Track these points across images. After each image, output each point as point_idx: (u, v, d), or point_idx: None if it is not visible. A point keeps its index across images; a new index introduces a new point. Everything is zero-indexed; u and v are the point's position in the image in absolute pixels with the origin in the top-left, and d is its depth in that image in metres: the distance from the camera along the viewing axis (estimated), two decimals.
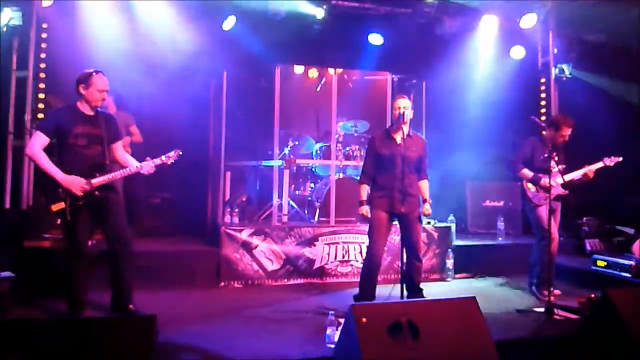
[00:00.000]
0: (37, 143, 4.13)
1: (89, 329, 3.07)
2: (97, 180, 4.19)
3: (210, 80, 7.13)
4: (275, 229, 6.09)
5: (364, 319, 3.21)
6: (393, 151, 4.68)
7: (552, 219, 5.20)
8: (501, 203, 7.98)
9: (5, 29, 5.84)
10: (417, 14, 7.24)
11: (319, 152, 7.23)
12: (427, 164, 4.95)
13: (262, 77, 7.58)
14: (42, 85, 6.23)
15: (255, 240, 5.92)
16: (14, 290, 4.66)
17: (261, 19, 6.85)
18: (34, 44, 6.16)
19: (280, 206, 6.60)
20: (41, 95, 6.22)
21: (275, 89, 6.56)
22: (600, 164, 5.39)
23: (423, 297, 4.69)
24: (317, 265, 6.10)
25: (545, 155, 5.04)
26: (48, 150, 4.20)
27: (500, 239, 7.28)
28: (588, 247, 6.85)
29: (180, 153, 4.42)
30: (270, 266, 5.94)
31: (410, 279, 4.70)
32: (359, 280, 4.94)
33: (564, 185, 5.36)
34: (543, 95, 7.96)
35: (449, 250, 6.44)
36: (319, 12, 7.08)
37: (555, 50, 7.76)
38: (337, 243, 6.20)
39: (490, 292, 5.72)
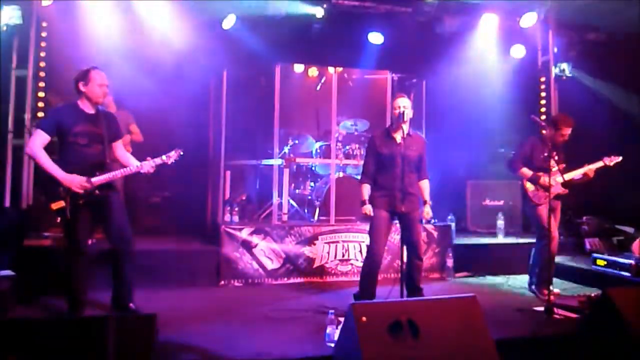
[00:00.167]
0: (37, 142, 4.13)
1: (89, 328, 3.07)
2: (97, 179, 4.19)
3: (210, 79, 7.13)
4: (275, 227, 6.09)
5: (364, 318, 3.21)
6: (393, 150, 4.68)
7: (552, 218, 5.21)
8: (501, 202, 7.99)
9: (5, 27, 5.83)
10: (417, 13, 7.23)
11: (319, 151, 7.23)
12: (427, 163, 4.95)
13: (262, 76, 7.59)
14: (41, 84, 6.23)
15: (255, 239, 5.92)
16: (15, 289, 4.67)
17: (261, 17, 6.84)
18: (34, 43, 6.15)
19: (280, 205, 6.60)
20: (41, 94, 6.22)
21: (275, 87, 6.56)
22: (600, 164, 5.39)
23: (423, 296, 4.69)
24: (317, 264, 6.10)
25: (545, 154, 5.04)
26: (49, 148, 4.20)
27: (500, 237, 7.28)
28: (588, 246, 6.86)
29: (181, 153, 4.42)
30: (270, 265, 5.95)
31: (411, 278, 4.70)
32: (359, 279, 4.94)
33: (564, 184, 5.36)
34: (543, 94, 7.96)
35: (449, 249, 6.44)
36: (319, 11, 7.08)
37: (556, 49, 7.76)
38: (337, 242, 6.20)
39: (490, 291, 5.72)
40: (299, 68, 8.24)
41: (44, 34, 6.28)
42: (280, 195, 6.63)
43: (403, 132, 4.63)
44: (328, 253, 6.15)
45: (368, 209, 4.73)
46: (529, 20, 7.49)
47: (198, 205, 7.27)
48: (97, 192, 4.19)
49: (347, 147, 7.11)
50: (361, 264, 5.15)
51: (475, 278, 6.41)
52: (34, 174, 5.97)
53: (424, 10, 7.19)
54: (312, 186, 7.21)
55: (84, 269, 4.35)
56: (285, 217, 6.57)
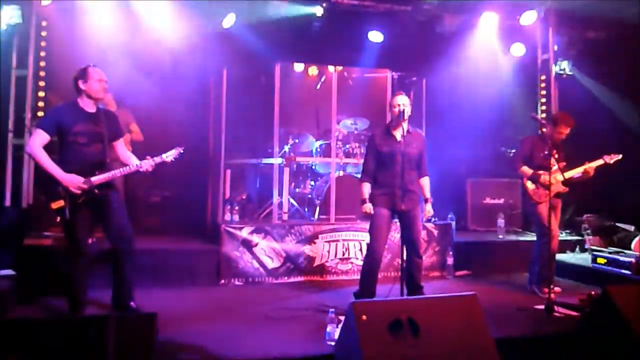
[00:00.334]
0: (37, 141, 4.13)
1: (89, 327, 3.07)
2: (97, 178, 4.19)
3: (210, 78, 7.12)
4: (276, 226, 6.09)
5: (364, 317, 3.21)
6: (393, 148, 4.67)
7: (553, 216, 5.21)
8: (501, 200, 7.99)
9: (4, 27, 5.83)
10: (417, 11, 7.23)
11: (319, 149, 7.23)
12: (428, 161, 4.95)
13: (262, 75, 7.58)
14: (41, 84, 6.22)
15: (255, 238, 5.92)
16: (15, 289, 4.67)
17: (261, 16, 6.84)
18: (34, 43, 6.15)
19: (280, 204, 6.60)
20: (41, 94, 6.21)
21: (275, 86, 6.56)
22: (600, 162, 5.39)
23: (423, 294, 4.69)
24: (317, 262, 6.10)
25: (545, 152, 5.04)
26: (49, 148, 4.20)
27: (500, 236, 7.27)
28: (588, 244, 6.85)
29: (182, 151, 4.42)
30: (271, 264, 5.95)
31: (411, 276, 4.70)
32: (359, 277, 4.94)
33: (564, 182, 5.37)
34: (543, 92, 7.95)
35: (449, 247, 6.44)
36: (319, 10, 7.07)
37: (556, 48, 7.75)
38: (337, 241, 6.20)
39: (490, 290, 5.72)
40: (299, 67, 8.24)
41: (43, 34, 6.27)
42: (280, 194, 6.63)
43: (403, 129, 4.63)
44: (328, 252, 6.15)
45: (368, 207, 4.72)
46: (528, 18, 7.49)
47: (198, 205, 7.27)
48: (96, 191, 4.19)
49: (347, 146, 7.11)
50: (361, 263, 5.15)
51: (476, 276, 6.40)
52: (34, 174, 5.97)
53: (424, 8, 7.19)
54: (312, 185, 7.21)
55: (84, 269, 4.35)
56: (285, 216, 6.57)
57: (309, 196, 7.04)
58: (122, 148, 4.52)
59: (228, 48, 6.83)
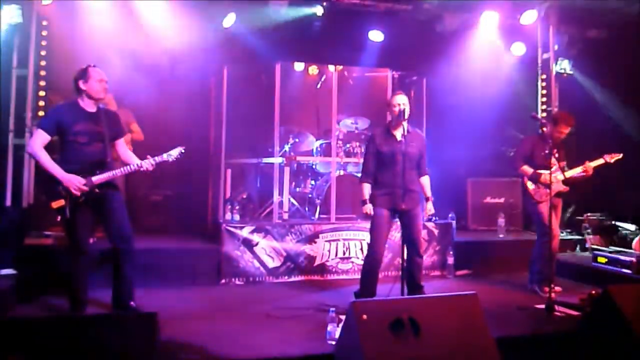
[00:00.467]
0: (38, 141, 4.14)
1: (90, 327, 3.07)
2: (98, 178, 4.19)
3: (211, 78, 7.13)
4: (276, 226, 6.10)
5: (364, 316, 3.21)
6: (394, 148, 4.67)
7: (553, 215, 5.21)
8: (502, 200, 7.98)
9: (5, 27, 5.83)
10: (418, 11, 7.22)
11: (319, 149, 7.23)
12: (428, 161, 4.95)
13: (262, 74, 7.58)
14: (42, 83, 6.22)
15: (256, 238, 5.92)
16: (15, 288, 4.68)
17: (261, 16, 6.84)
18: (34, 42, 6.15)
19: (280, 203, 6.60)
20: (41, 93, 6.21)
21: (276, 86, 6.56)
22: (600, 161, 5.39)
23: (424, 293, 4.69)
24: (317, 262, 6.10)
25: (546, 151, 5.04)
26: (50, 147, 4.21)
27: (501, 235, 7.27)
28: (589, 244, 6.85)
29: (183, 151, 4.42)
30: (271, 263, 5.95)
31: (411, 275, 4.70)
32: (359, 277, 4.94)
33: (565, 181, 5.37)
34: (544, 91, 7.95)
35: (450, 247, 6.44)
36: (319, 9, 7.07)
37: (556, 47, 7.74)
38: (338, 240, 6.20)
39: (491, 289, 5.72)
40: (299, 66, 8.24)
41: (44, 33, 6.27)
42: (281, 193, 6.63)
43: (404, 129, 4.62)
44: (329, 251, 6.15)
45: (369, 208, 4.71)
46: (529, 17, 7.48)
47: (199, 204, 7.28)
48: (96, 190, 4.19)
49: (348, 145, 7.10)
50: (362, 262, 5.15)
51: (476, 276, 6.40)
52: (35, 173, 5.97)
53: (424, 8, 7.18)
54: (312, 184, 7.21)
55: (84, 268, 4.36)
56: (285, 216, 6.57)
57: (310, 195, 7.04)
58: (123, 147, 4.52)
59: (228, 48, 6.84)
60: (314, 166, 7.28)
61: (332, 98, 6.73)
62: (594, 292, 4.67)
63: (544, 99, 7.95)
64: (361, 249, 6.18)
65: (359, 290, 4.84)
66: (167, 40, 6.55)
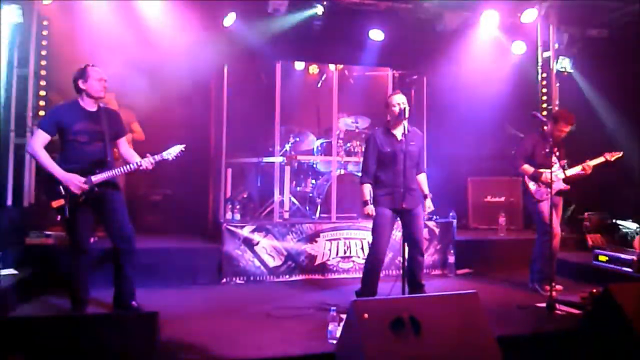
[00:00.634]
0: (38, 141, 4.15)
1: (90, 326, 3.07)
2: (98, 177, 4.19)
3: (211, 77, 7.12)
4: (277, 225, 6.10)
5: (365, 315, 3.21)
6: (395, 148, 4.66)
7: (554, 214, 5.20)
8: (502, 198, 7.98)
9: (5, 26, 5.82)
10: (418, 10, 7.22)
11: (320, 148, 7.23)
12: (429, 160, 4.95)
13: (262, 74, 7.57)
14: (43, 83, 6.23)
15: (256, 237, 5.93)
16: (16, 288, 4.68)
17: (261, 15, 6.83)
18: (35, 42, 6.15)
19: (281, 202, 6.60)
20: (42, 93, 6.21)
21: (276, 85, 6.56)
22: (601, 159, 5.40)
23: (425, 292, 4.69)
24: (318, 261, 6.11)
25: (547, 150, 5.03)
26: (51, 147, 4.21)
27: (501, 234, 7.28)
28: (590, 242, 6.85)
29: (183, 149, 4.42)
30: (272, 262, 5.95)
31: (412, 274, 4.70)
32: (360, 276, 4.94)
33: (565, 180, 5.37)
34: (544, 90, 7.94)
35: (451, 245, 6.45)
36: (320, 8, 7.07)
37: (557, 45, 7.74)
38: (339, 239, 6.21)
39: (491, 288, 5.72)
40: (299, 65, 8.23)
41: (45, 33, 6.27)
42: (281, 192, 6.64)
43: (404, 128, 4.61)
44: (330, 250, 6.16)
45: (370, 209, 4.69)
46: (529, 16, 7.47)
47: (199, 203, 7.27)
48: (96, 189, 4.19)
49: (348, 145, 7.11)
50: (363, 261, 5.15)
51: (477, 274, 6.40)
52: (36, 173, 5.97)
53: (424, 6, 7.17)
54: (313, 183, 7.21)
55: (85, 268, 4.37)
56: (286, 215, 6.57)
57: (310, 195, 7.04)
58: (124, 146, 4.52)
59: (229, 47, 6.83)
60: (314, 165, 7.28)
61: (333, 97, 6.73)
62: (594, 290, 4.67)
63: (545, 98, 7.94)
64: (362, 248, 6.18)
65: (360, 289, 4.84)
66: (167, 39, 6.55)
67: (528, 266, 5.66)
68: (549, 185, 5.04)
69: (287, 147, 7.11)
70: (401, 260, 4.63)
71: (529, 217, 7.22)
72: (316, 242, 6.11)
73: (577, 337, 3.97)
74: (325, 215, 6.60)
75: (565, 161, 5.42)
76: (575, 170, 5.39)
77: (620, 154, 5.42)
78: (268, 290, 5.61)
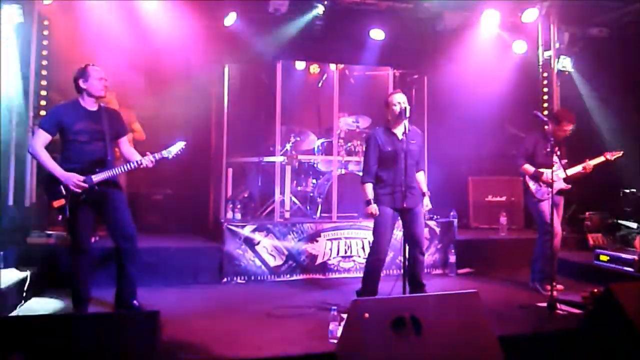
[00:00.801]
0: (39, 141, 4.15)
1: (92, 326, 3.07)
2: (98, 176, 4.19)
3: (212, 77, 7.13)
4: (278, 225, 6.10)
5: (366, 314, 3.21)
6: (396, 147, 4.66)
7: (555, 213, 5.20)
8: (503, 198, 7.98)
9: (6, 26, 5.83)
10: (418, 9, 7.21)
11: (320, 147, 7.24)
12: (429, 159, 4.95)
13: (263, 73, 7.57)
14: (44, 83, 6.23)
15: (257, 236, 5.93)
16: (18, 287, 4.68)
17: (262, 14, 6.83)
18: (36, 42, 6.15)
19: (282, 202, 6.60)
20: (43, 92, 6.22)
21: (277, 84, 6.56)
22: (601, 158, 5.40)
23: (426, 292, 4.69)
24: (319, 260, 6.11)
25: (548, 149, 5.04)
26: (51, 147, 4.21)
27: (502, 234, 7.27)
28: (591, 242, 6.84)
29: (183, 147, 4.42)
30: (273, 262, 5.95)
31: (413, 273, 4.70)
32: (361, 275, 4.94)
33: (566, 179, 5.36)
34: (545, 89, 7.94)
35: (452, 245, 6.45)
36: (320, 8, 7.07)
37: (557, 45, 7.73)
38: (340, 239, 6.21)
39: (492, 287, 5.71)
40: (300, 65, 8.23)
41: (45, 33, 6.28)
42: (282, 192, 6.63)
43: (405, 127, 4.60)
44: (330, 250, 6.16)
45: (374, 208, 4.67)
46: (530, 15, 7.47)
47: (200, 203, 7.29)
48: (96, 188, 4.19)
49: (349, 144, 7.11)
50: (363, 261, 5.14)
51: (478, 274, 6.39)
52: (37, 172, 5.98)
53: (425, 6, 7.17)
54: (314, 183, 7.21)
55: (86, 267, 4.36)
56: (287, 214, 6.57)
57: (311, 194, 7.04)
58: (126, 146, 4.52)
59: (229, 46, 6.83)
60: (315, 165, 7.28)
61: (334, 96, 6.73)
62: (595, 290, 4.66)
63: (546, 97, 7.93)
64: (363, 248, 6.18)
65: (360, 289, 4.84)
66: (168, 39, 6.55)
67: (529, 266, 5.66)
68: (549, 184, 5.04)
69: (288, 146, 7.11)
70: (402, 260, 4.63)
71: (529, 217, 7.21)
72: (317, 241, 6.12)
73: (578, 336, 3.96)
74: (326, 214, 6.60)
75: (566, 161, 5.42)
76: (576, 169, 5.40)
77: (620, 153, 5.43)
78: (269, 289, 5.61)
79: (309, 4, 7.04)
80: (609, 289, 3.76)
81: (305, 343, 3.85)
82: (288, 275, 5.99)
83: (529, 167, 5.44)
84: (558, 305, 4.66)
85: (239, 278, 5.82)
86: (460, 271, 6.41)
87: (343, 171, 6.89)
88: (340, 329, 3.66)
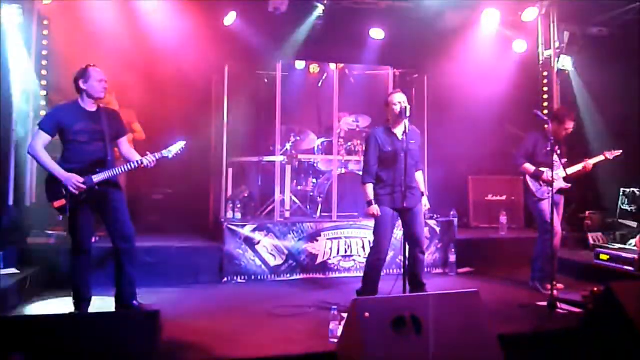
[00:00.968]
0: (39, 141, 4.15)
1: (92, 326, 3.07)
2: (98, 176, 4.19)
3: (212, 76, 7.13)
4: (278, 224, 6.10)
5: (366, 314, 3.21)
6: (396, 147, 4.66)
7: (555, 212, 5.20)
8: (503, 197, 7.99)
9: (6, 26, 5.83)
10: (418, 8, 7.21)
11: (320, 147, 7.24)
12: (430, 158, 4.95)
13: (263, 73, 7.57)
14: (43, 83, 6.23)
15: (257, 236, 5.93)
16: (18, 287, 4.69)
17: (262, 14, 6.83)
18: (36, 42, 6.15)
19: (282, 202, 6.60)
20: (43, 93, 6.22)
21: (277, 84, 6.55)
22: (600, 158, 5.41)
23: (426, 291, 4.69)
24: (319, 260, 6.11)
25: (548, 149, 5.04)
26: (51, 147, 4.22)
27: (502, 233, 7.27)
28: (591, 241, 6.84)
29: (183, 146, 4.42)
30: (273, 261, 5.96)
31: (413, 273, 4.70)
32: (361, 275, 4.94)
33: (566, 179, 5.36)
34: (545, 88, 7.94)
35: (452, 244, 6.45)
36: (320, 7, 7.06)
37: (557, 44, 7.73)
38: (340, 238, 6.20)
39: (492, 287, 5.71)
40: (300, 64, 8.23)
41: (45, 33, 6.28)
42: (282, 191, 6.63)
43: (405, 127, 4.59)
44: (331, 249, 6.16)
45: (375, 209, 4.66)
46: (530, 14, 7.47)
47: (200, 202, 7.28)
48: (96, 187, 4.19)
49: (349, 144, 7.11)
50: (363, 260, 5.14)
51: (478, 273, 6.39)
52: (37, 173, 5.98)
53: (425, 5, 7.16)
54: (314, 182, 7.21)
55: (86, 267, 4.36)
56: (287, 214, 6.57)
57: (311, 194, 7.04)
58: (125, 146, 4.52)
59: (229, 46, 6.83)
60: (315, 164, 7.28)
61: (334, 96, 6.72)
62: (596, 289, 4.66)
63: (546, 96, 7.93)
64: (363, 247, 6.18)
65: (361, 288, 4.84)
66: (168, 39, 6.55)
67: (529, 265, 5.66)
68: (550, 183, 5.04)
69: (288, 146, 7.11)
70: (402, 259, 4.62)
71: (530, 216, 7.21)
72: (317, 241, 6.11)
73: (578, 335, 3.96)
74: (326, 214, 6.60)
75: (566, 160, 5.42)
76: (576, 168, 5.40)
77: (619, 152, 5.44)
78: (269, 289, 5.61)
79: (309, 3, 7.03)
80: (609, 288, 3.76)
81: (305, 342, 3.85)
82: (288, 275, 5.99)
83: (529, 166, 5.44)
84: (558, 305, 4.66)
85: (239, 278, 5.82)
86: (460, 270, 6.41)
87: (343, 170, 6.89)
88: (341, 328, 3.66)
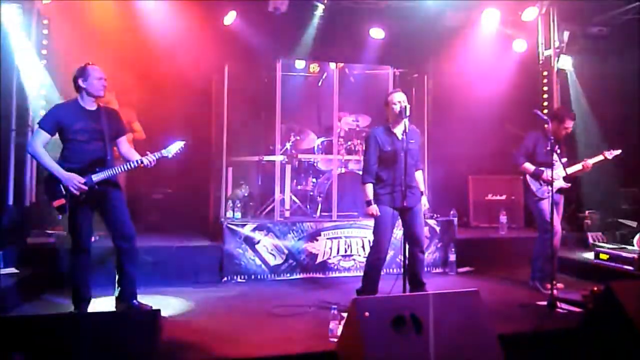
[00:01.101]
0: (38, 141, 4.14)
1: (92, 325, 3.07)
2: (98, 176, 4.19)
3: (212, 76, 7.12)
4: (278, 224, 6.10)
5: (366, 313, 3.21)
6: (396, 147, 4.66)
7: (555, 212, 5.20)
8: (503, 197, 7.99)
9: (6, 25, 5.83)
10: (419, 8, 7.21)
11: (320, 146, 7.24)
12: (430, 158, 4.95)
13: (263, 72, 7.57)
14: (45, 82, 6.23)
15: (257, 235, 5.93)
16: (18, 287, 4.69)
17: (262, 13, 6.83)
18: (35, 41, 6.15)
19: (282, 201, 6.60)
20: (42, 92, 6.22)
21: (277, 83, 6.55)
22: (600, 157, 5.41)
23: (426, 290, 4.68)
24: (319, 259, 6.11)
25: (548, 148, 5.04)
26: (50, 147, 4.22)
27: (502, 232, 7.27)
28: (591, 240, 6.84)
29: (182, 146, 4.42)
30: (273, 261, 5.95)
31: (413, 272, 4.70)
32: (361, 274, 4.94)
33: (566, 178, 5.36)
34: (545, 88, 7.94)
35: (452, 244, 6.45)
36: (320, 7, 7.06)
37: (557, 43, 7.73)
38: (340, 238, 6.20)
39: (492, 286, 5.71)
40: (300, 64, 8.23)
41: (45, 32, 6.28)
42: (282, 191, 6.63)
43: (405, 127, 4.59)
44: (330, 249, 6.16)
45: (375, 209, 4.67)
46: (530, 14, 7.47)
47: (200, 202, 7.28)
48: (96, 187, 4.18)
49: (349, 143, 7.11)
50: (363, 260, 5.14)
51: (478, 273, 6.39)
52: (37, 172, 5.98)
53: (425, 5, 7.16)
54: (314, 182, 7.21)
55: (86, 266, 4.36)
56: (287, 213, 6.57)
57: (311, 193, 7.04)
58: (125, 146, 4.52)
59: (229, 45, 6.82)
60: (315, 164, 7.28)
61: (333, 95, 6.72)
62: (596, 288, 4.66)
63: (546, 96, 7.93)
64: (362, 247, 6.18)
65: (361, 288, 4.84)
66: (168, 38, 6.55)
67: (529, 264, 5.66)
68: (550, 183, 5.05)
69: (288, 145, 7.11)
70: (402, 259, 4.62)
71: (530, 215, 7.21)
72: (317, 240, 6.11)
73: (578, 335, 3.97)
74: (326, 213, 6.60)
75: (566, 159, 5.42)
76: (576, 168, 5.40)
77: (619, 152, 5.44)
78: (269, 288, 5.61)
79: (309, 3, 7.03)
80: (609, 288, 3.76)
81: (305, 342, 3.85)
82: (288, 274, 5.99)
83: (529, 166, 5.44)
84: (558, 304, 4.66)
85: (239, 277, 5.82)
86: (460, 270, 6.41)
87: (343, 170, 6.89)
88: (341, 327, 3.66)
